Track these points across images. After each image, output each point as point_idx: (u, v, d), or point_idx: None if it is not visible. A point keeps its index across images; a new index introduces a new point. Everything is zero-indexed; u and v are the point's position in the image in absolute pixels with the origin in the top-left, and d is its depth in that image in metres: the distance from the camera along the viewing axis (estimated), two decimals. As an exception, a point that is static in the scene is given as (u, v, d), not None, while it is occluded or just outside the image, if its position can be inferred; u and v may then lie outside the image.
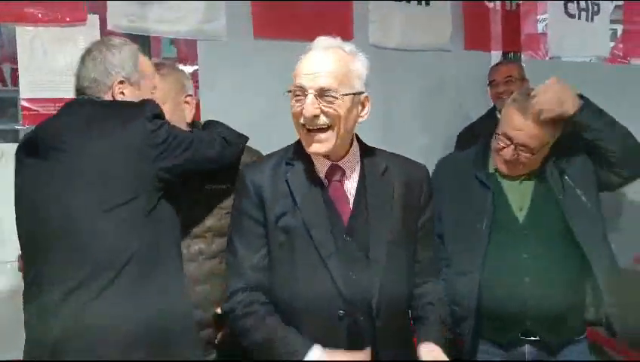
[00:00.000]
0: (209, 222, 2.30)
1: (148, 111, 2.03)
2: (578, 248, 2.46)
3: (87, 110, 2.05)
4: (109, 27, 2.88)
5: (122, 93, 2.10)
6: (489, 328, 2.51)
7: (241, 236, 1.95)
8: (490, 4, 3.99)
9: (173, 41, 3.97)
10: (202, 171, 2.20)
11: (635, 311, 2.50)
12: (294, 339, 1.86)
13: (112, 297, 1.89)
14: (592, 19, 4.36)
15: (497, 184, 2.52)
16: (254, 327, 1.88)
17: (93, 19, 2.86)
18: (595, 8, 4.36)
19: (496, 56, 4.12)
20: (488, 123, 3.79)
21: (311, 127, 1.88)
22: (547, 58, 4.36)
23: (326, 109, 1.85)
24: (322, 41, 1.94)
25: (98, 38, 2.83)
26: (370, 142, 3.38)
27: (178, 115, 2.31)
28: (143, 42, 3.13)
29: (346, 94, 1.85)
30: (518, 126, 2.42)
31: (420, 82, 3.83)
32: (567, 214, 2.45)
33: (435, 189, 2.57)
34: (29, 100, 2.80)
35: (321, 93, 1.84)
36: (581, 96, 2.51)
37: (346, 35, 3.36)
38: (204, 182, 2.29)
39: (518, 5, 4.09)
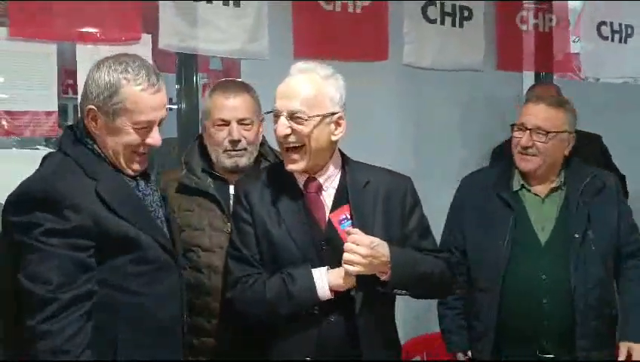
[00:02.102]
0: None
1: (28, 197, 1.83)
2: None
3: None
4: (160, 46, 3.06)
5: (94, 122, 1.94)
6: (507, 345, 2.58)
7: (239, 235, 2.14)
8: (523, 26, 4.10)
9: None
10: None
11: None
12: (296, 273, 2.05)
13: None
14: (626, 41, 4.43)
15: (520, 203, 2.60)
16: (265, 286, 2.07)
17: (146, 39, 3.04)
18: (629, 30, 4.44)
19: (528, 76, 4.23)
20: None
21: (286, 146, 2.07)
22: (581, 79, 4.46)
23: (296, 130, 2.03)
24: (298, 65, 2.12)
25: (150, 55, 3.04)
26: (401, 153, 3.55)
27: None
28: (190, 57, 3.34)
29: (315, 116, 2.02)
30: (531, 111, 2.56)
31: (451, 101, 3.97)
32: (576, 256, 2.51)
33: (458, 206, 2.71)
34: (87, 112, 3.00)
35: (292, 115, 2.03)
36: None
37: (382, 55, 3.57)
38: None
39: (550, 28, 4.19)
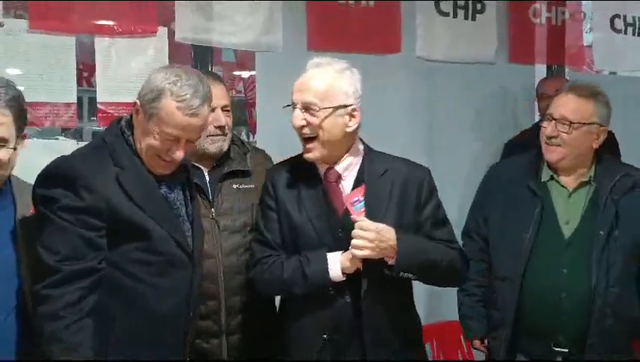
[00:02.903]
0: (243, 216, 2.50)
1: (52, 173, 1.99)
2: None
3: None
4: (177, 39, 3.12)
5: (137, 115, 2.07)
6: (523, 337, 2.57)
7: (264, 221, 2.30)
8: (536, 20, 4.11)
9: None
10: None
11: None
12: (312, 256, 2.18)
13: None
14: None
15: (547, 194, 2.56)
16: (283, 266, 2.21)
17: (162, 32, 3.11)
18: (642, 24, 4.44)
19: (540, 69, 4.24)
20: (533, 134, 3.93)
21: (302, 136, 2.19)
22: (594, 72, 4.46)
23: (309, 121, 2.15)
24: (315, 60, 2.22)
25: (166, 48, 3.11)
26: (412, 146, 3.58)
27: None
28: (205, 49, 3.40)
29: (327, 108, 2.13)
30: (560, 102, 2.52)
31: (464, 93, 4.00)
32: (599, 254, 2.46)
33: (484, 193, 2.72)
34: (104, 104, 3.07)
35: (306, 107, 2.14)
36: None
37: (394, 48, 3.60)
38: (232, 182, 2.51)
39: (563, 21, 4.20)
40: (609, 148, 3.62)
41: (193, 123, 2.02)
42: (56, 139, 3.33)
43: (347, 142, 2.24)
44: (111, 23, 3.02)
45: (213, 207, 2.45)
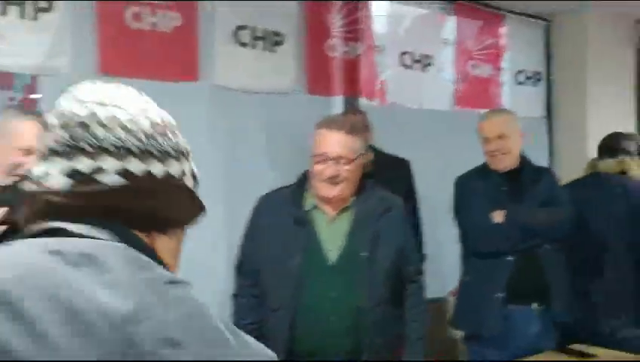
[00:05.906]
0: None
1: None
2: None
3: None
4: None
5: None
6: None
7: None
8: (333, 54, 4.26)
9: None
10: None
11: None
12: None
13: None
14: (425, 70, 4.78)
15: (311, 222, 2.64)
16: None
17: None
18: (428, 60, 4.79)
19: (337, 100, 4.39)
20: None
21: None
22: (385, 104, 4.70)
23: None
24: None
25: None
26: (213, 175, 3.54)
27: None
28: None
29: None
30: (331, 141, 2.59)
31: (262, 122, 4.02)
32: (362, 274, 2.59)
33: (252, 226, 2.70)
34: None
35: None
36: None
37: (192, 76, 3.54)
38: None
39: (358, 55, 4.40)
40: (404, 177, 3.83)
41: None
42: None
43: None
44: None
45: None
